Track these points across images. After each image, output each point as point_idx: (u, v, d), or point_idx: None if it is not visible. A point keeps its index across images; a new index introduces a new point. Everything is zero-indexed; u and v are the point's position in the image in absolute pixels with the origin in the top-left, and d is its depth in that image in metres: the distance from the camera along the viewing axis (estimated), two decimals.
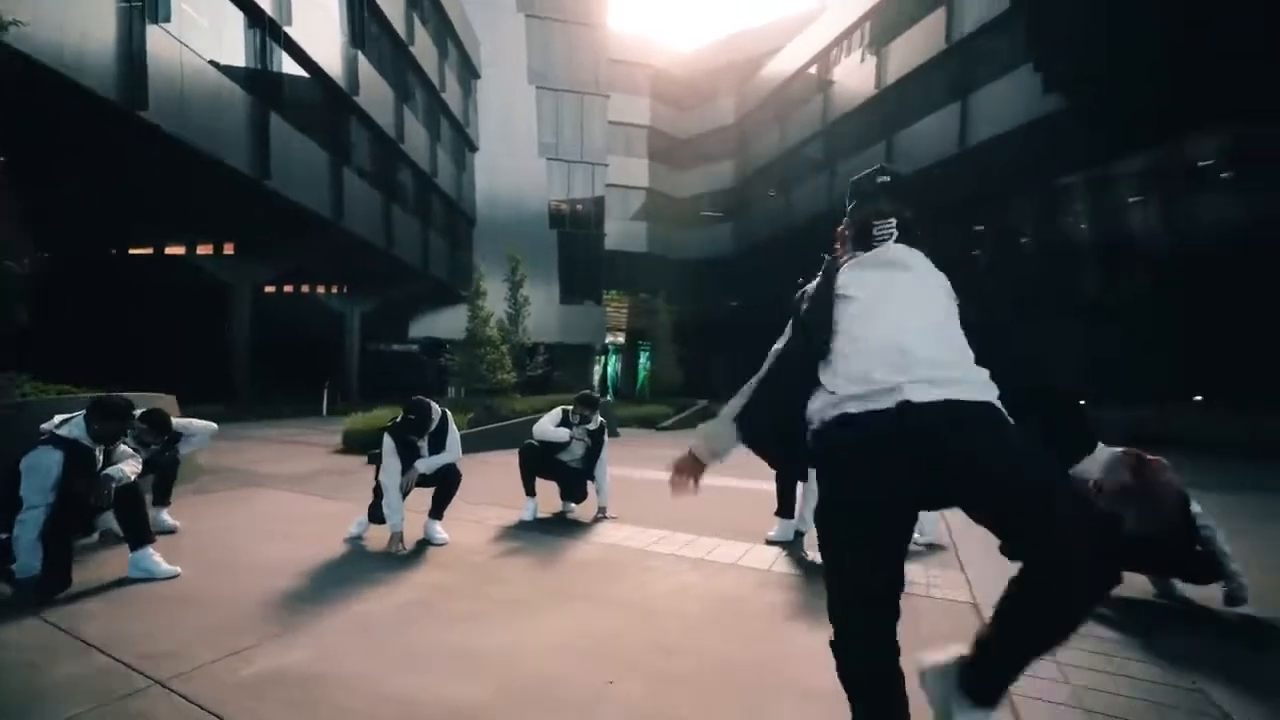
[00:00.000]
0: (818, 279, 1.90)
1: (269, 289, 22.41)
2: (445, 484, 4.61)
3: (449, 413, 4.72)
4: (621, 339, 35.48)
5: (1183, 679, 2.54)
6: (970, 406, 1.55)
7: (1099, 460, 3.38)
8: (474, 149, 28.69)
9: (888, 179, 1.89)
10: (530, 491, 5.32)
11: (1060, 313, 18.09)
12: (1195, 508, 3.32)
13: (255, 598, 3.26)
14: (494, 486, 6.52)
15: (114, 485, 3.43)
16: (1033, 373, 1.71)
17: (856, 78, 25.05)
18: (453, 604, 3.28)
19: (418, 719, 2.13)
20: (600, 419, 5.46)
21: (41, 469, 3.28)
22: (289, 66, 15.86)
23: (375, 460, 8.54)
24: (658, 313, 22.91)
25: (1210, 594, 3.35)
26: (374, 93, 19.57)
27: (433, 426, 4.54)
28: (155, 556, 3.57)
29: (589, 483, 5.44)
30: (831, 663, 1.64)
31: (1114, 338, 16.33)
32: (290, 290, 23.08)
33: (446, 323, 27.38)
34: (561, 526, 5.10)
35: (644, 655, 2.69)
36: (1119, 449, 3.34)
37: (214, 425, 5.02)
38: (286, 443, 11.01)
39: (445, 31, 26.01)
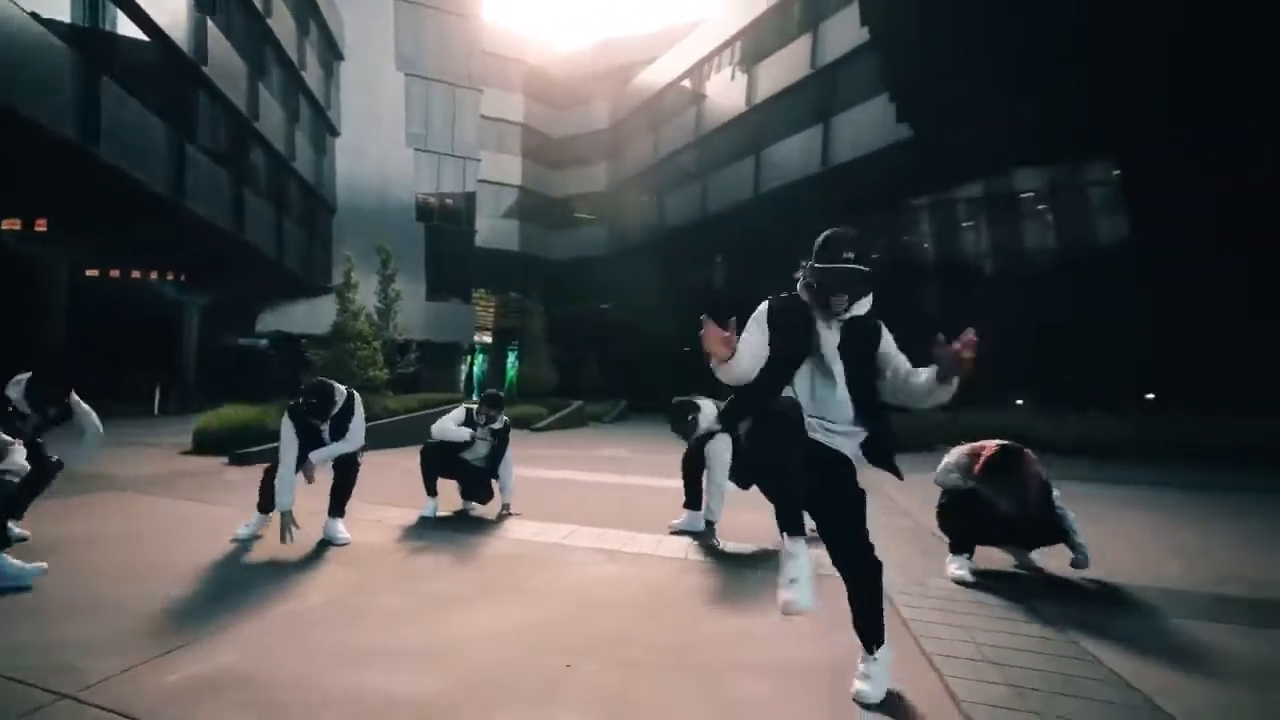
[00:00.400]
0: (784, 314, 2.40)
1: (91, 272, 19.86)
2: (340, 475, 4.36)
3: (356, 395, 4.44)
4: (489, 339, 34.77)
5: (1060, 634, 2.91)
6: (838, 456, 2.33)
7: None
8: (335, 134, 26.97)
9: (852, 255, 2.28)
10: (432, 491, 5.14)
11: (910, 323, 19.84)
12: (1055, 492, 3.81)
13: (151, 605, 2.93)
14: (383, 486, 6.21)
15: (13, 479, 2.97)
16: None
17: (728, 94, 26.13)
18: (376, 601, 3.13)
19: (379, 714, 2.03)
20: (504, 418, 5.36)
21: None
22: (128, 28, 14.24)
23: (238, 460, 7.90)
24: (529, 313, 22.68)
25: (1065, 567, 3.83)
26: (224, 64, 17.96)
27: (335, 409, 4.27)
28: (10, 559, 3.11)
29: (493, 481, 5.33)
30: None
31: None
32: (118, 275, 20.54)
33: (301, 317, 25.61)
34: (468, 524, 4.97)
35: (589, 642, 2.70)
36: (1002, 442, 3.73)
37: (99, 425, 3.95)
38: (122, 444, 9.85)
39: (306, 7, 24.34)
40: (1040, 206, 18.09)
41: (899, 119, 17.91)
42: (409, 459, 5.07)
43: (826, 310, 2.32)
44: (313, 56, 24.79)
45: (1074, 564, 3.74)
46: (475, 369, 34.94)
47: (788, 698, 2.26)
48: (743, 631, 2.86)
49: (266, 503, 4.21)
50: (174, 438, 10.82)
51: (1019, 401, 16.77)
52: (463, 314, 29.81)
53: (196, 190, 16.40)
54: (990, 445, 3.69)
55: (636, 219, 31.62)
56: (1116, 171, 16.34)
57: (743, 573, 3.81)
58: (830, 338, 2.34)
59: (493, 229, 32.41)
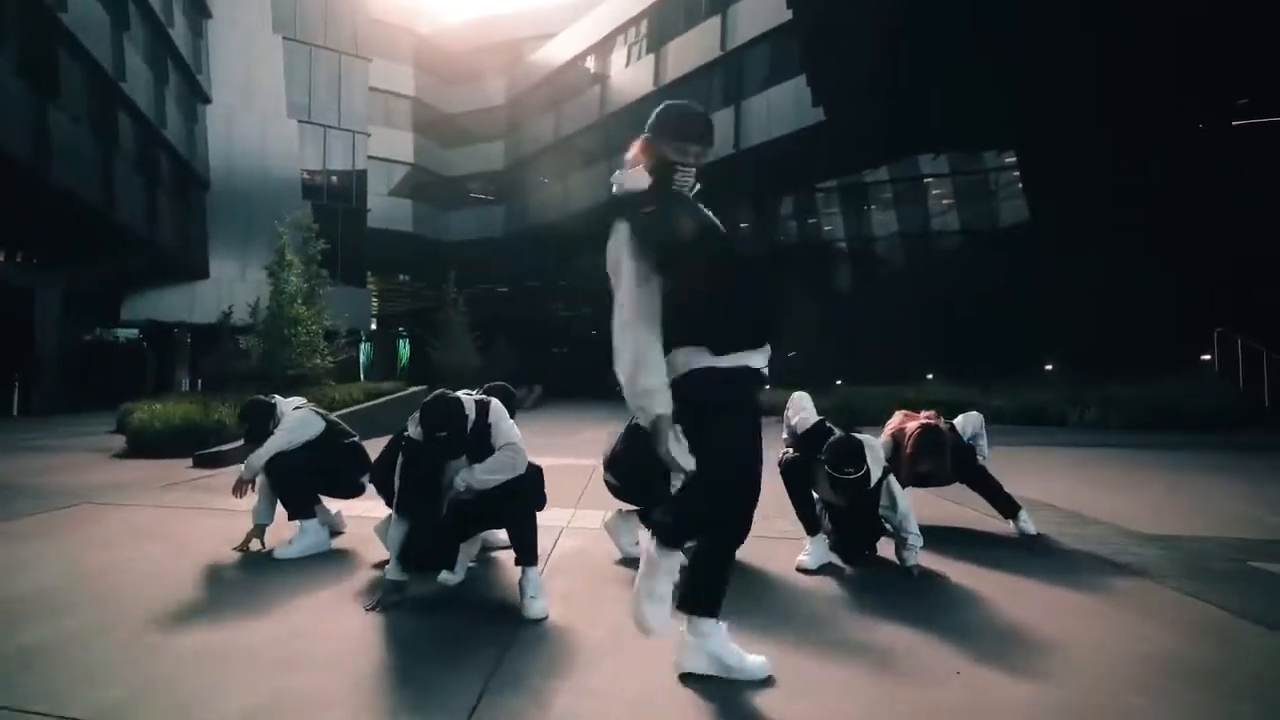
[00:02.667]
0: None
1: None
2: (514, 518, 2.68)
3: (495, 403, 2.94)
4: (373, 325, 33.01)
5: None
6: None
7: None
8: (207, 100, 24.27)
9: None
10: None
11: (818, 301, 20.83)
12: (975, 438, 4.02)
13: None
14: None
15: None
16: None
17: (635, 73, 25.95)
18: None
19: None
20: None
21: None
22: None
23: (204, 462, 6.89)
24: (448, 297, 21.64)
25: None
26: (87, 15, 15.71)
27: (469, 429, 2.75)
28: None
29: None
30: None
31: (863, 323, 19.09)
32: None
33: (174, 304, 23.05)
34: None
35: None
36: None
37: None
38: (25, 449, 8.46)
39: None
40: (944, 189, 19.38)
41: (814, 103, 18.47)
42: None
43: None
44: (178, 12, 22.17)
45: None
46: (362, 357, 33.04)
47: None
48: None
49: (410, 553, 2.79)
50: (85, 440, 9.45)
51: (929, 376, 17.92)
52: (358, 299, 27.98)
53: (63, 159, 14.34)
54: (911, 428, 3.66)
55: (537, 201, 30.86)
56: (1012, 158, 17.78)
57: None
58: None
59: (383, 209, 30.54)
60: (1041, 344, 15.97)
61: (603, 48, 27.85)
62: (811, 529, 3.23)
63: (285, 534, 3.55)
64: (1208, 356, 14.85)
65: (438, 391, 2.70)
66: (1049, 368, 16.04)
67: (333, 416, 3.81)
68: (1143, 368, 12.79)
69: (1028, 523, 3.80)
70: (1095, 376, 13.11)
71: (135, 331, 22.64)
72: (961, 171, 18.92)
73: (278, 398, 3.83)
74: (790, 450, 3.35)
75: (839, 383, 18.29)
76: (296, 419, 3.59)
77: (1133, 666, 2.12)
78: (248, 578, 3.14)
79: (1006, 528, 3.88)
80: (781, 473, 3.28)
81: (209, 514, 4.53)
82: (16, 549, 3.58)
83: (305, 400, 3.88)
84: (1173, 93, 13.46)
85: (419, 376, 28.21)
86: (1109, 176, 14.53)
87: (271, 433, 3.54)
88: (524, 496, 2.63)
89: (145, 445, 7.77)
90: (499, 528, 2.84)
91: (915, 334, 17.93)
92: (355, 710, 1.84)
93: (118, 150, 17.51)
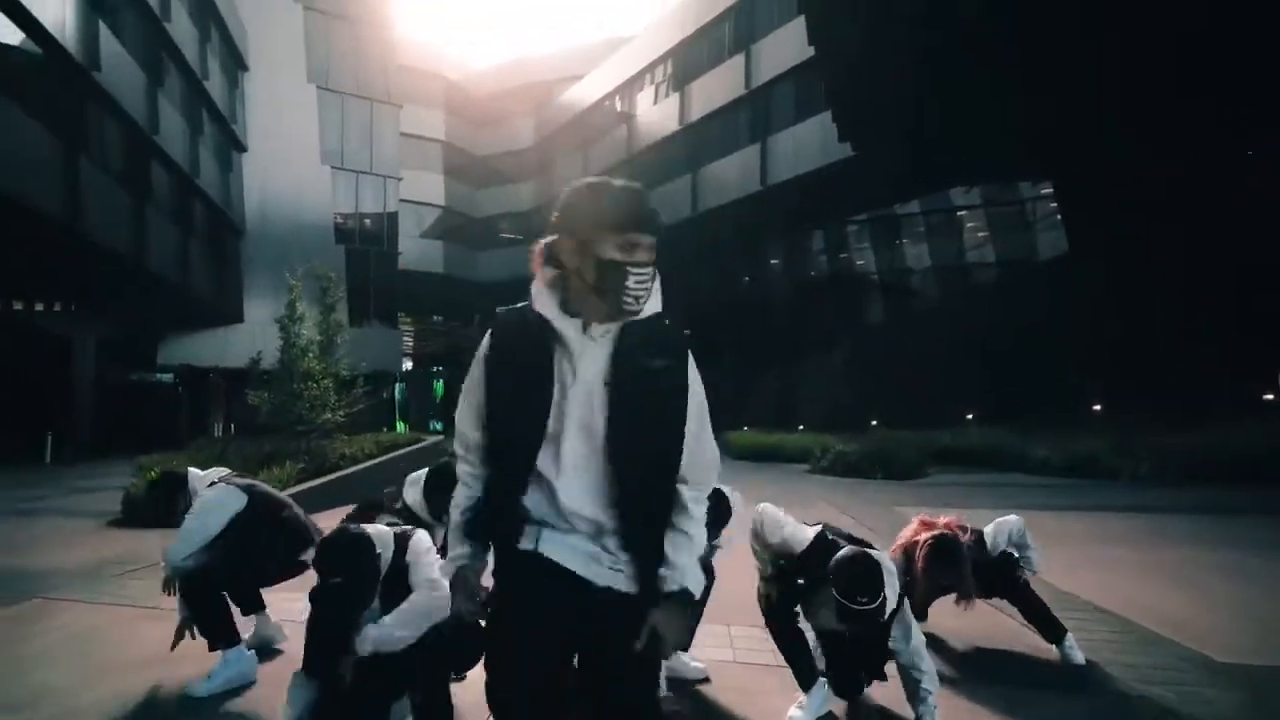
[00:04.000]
0: None
1: None
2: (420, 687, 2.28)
3: (417, 535, 2.39)
4: (409, 365, 33.16)
5: None
6: None
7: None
8: (243, 149, 24.93)
9: None
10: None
11: (851, 339, 20.18)
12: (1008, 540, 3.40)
13: None
14: None
15: None
16: None
17: (661, 112, 25.95)
18: None
19: None
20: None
21: None
22: (7, 31, 12.49)
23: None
24: (474, 336, 21.65)
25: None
26: (120, 73, 16.16)
27: (382, 575, 2.25)
28: None
29: None
30: None
31: (898, 361, 18.34)
32: None
33: (210, 349, 23.40)
34: None
35: None
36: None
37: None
38: (27, 514, 8.30)
39: (206, 12, 22.43)
40: (978, 221, 18.70)
41: (840, 139, 18.05)
42: None
43: None
44: (215, 66, 22.85)
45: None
46: (397, 396, 33.13)
47: None
48: None
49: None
50: (89, 500, 9.30)
51: (969, 417, 17.04)
52: (390, 340, 28.13)
53: (92, 212, 14.62)
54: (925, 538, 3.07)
55: None
56: (1048, 189, 17.06)
57: None
58: None
59: (416, 251, 30.90)
60: (1087, 379, 15.06)
61: (629, 88, 28.01)
62: (807, 681, 2.67)
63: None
64: (1270, 396, 13.82)
65: (341, 524, 2.26)
66: (1096, 408, 15.09)
67: (261, 485, 3.37)
68: (1200, 409, 11.84)
69: (1074, 650, 3.20)
70: (1145, 418, 12.17)
71: (170, 376, 22.96)
72: (995, 203, 18.26)
73: (192, 470, 3.41)
74: (769, 583, 2.79)
75: (874, 423, 17.51)
76: (210, 500, 3.14)
77: None
78: None
79: (1045, 645, 3.30)
80: (765, 616, 2.74)
81: (157, 617, 4.14)
82: None
83: (226, 471, 3.44)
84: (1177, 103, 12.68)
85: (451, 418, 27.92)
86: (1145, 198, 13.74)
87: (184, 515, 3.13)
88: (434, 658, 2.15)
89: (137, 512, 7.52)
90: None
91: (952, 372, 17.13)
92: None
93: (151, 200, 17.88)
